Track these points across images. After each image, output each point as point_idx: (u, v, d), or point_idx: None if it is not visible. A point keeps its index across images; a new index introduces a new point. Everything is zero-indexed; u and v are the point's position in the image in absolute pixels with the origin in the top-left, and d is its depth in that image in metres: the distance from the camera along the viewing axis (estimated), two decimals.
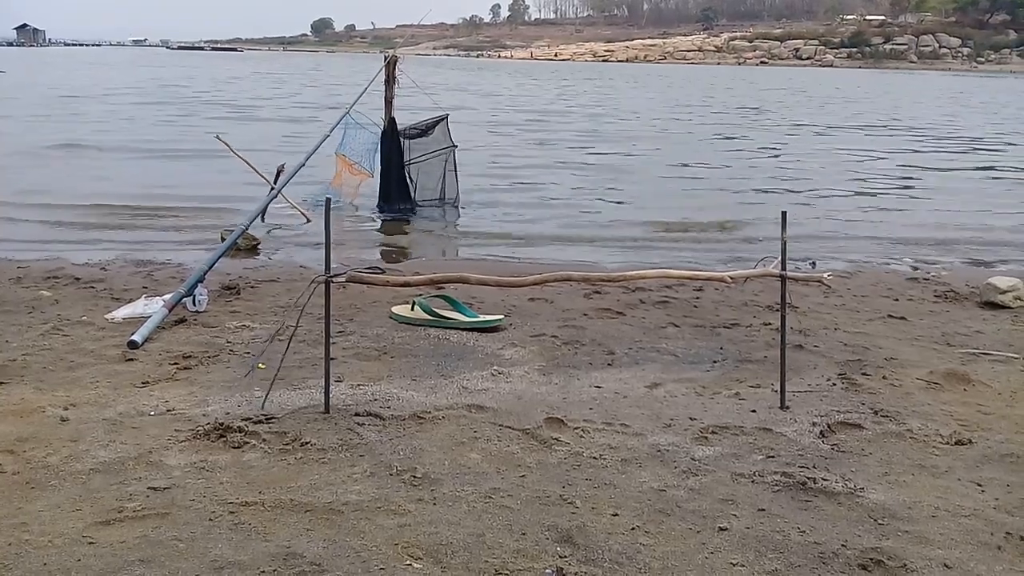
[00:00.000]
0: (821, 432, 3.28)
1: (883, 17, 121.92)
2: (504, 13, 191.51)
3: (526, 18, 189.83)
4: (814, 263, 6.67)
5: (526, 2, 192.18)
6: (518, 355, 4.14)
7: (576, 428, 3.25)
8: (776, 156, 14.55)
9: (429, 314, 4.56)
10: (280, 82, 37.53)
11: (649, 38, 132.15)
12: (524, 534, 2.48)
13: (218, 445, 2.99)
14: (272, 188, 6.91)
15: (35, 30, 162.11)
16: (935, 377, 3.93)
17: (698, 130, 19.28)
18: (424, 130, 8.42)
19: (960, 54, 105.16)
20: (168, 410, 3.31)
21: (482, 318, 4.60)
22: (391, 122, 8.13)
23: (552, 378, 3.83)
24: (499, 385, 3.71)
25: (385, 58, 8.18)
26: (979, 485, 2.89)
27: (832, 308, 5.24)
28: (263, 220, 7.25)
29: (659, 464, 2.97)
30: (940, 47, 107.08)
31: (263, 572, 2.25)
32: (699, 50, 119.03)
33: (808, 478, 2.87)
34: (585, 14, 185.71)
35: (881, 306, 5.34)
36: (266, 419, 3.21)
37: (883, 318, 5.05)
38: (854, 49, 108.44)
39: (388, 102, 8.05)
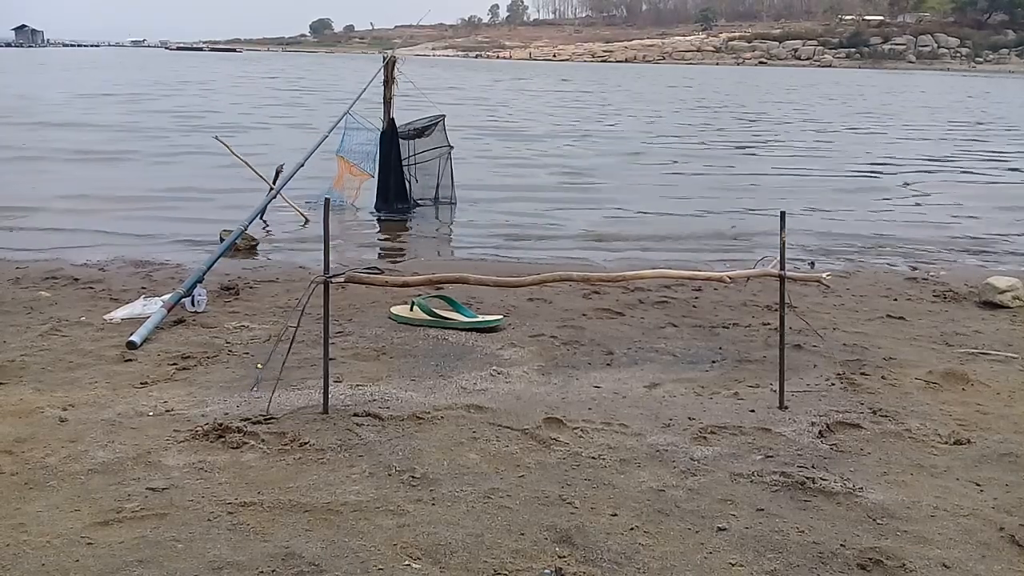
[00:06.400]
0: (820, 432, 3.28)
1: (882, 17, 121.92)
2: (503, 13, 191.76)
3: (525, 18, 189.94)
4: (813, 263, 6.67)
5: (525, 2, 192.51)
6: (517, 355, 4.14)
7: (575, 428, 3.25)
8: (775, 155, 14.55)
9: (428, 314, 4.56)
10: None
11: (648, 38, 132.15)
12: (523, 534, 2.48)
13: (217, 446, 2.99)
14: (271, 189, 6.91)
15: (33, 31, 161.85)
16: (934, 377, 3.93)
17: (697, 129, 19.29)
18: (421, 130, 8.44)
19: (959, 54, 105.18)
20: (167, 410, 3.31)
21: (481, 318, 4.60)
22: (390, 123, 8.13)
23: (551, 378, 3.83)
24: (498, 385, 3.71)
25: (384, 59, 8.19)
26: (978, 485, 2.89)
27: (831, 308, 5.24)
28: (262, 220, 7.26)
29: (658, 464, 2.97)
30: (939, 47, 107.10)
31: (262, 572, 2.25)
32: (698, 50, 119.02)
33: (807, 478, 2.87)
34: (584, 14, 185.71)
35: (880, 306, 5.34)
36: (265, 419, 3.21)
37: (882, 318, 5.05)
38: (853, 49, 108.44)
39: (387, 103, 8.05)
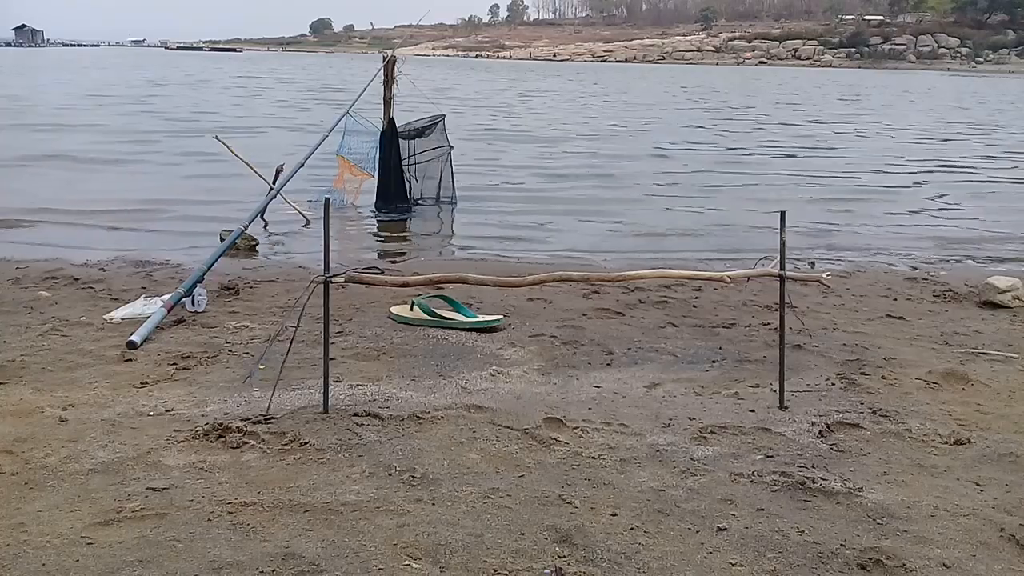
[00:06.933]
0: (820, 432, 3.28)
1: (882, 17, 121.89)
2: (503, 13, 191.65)
3: (525, 18, 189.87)
4: (813, 263, 6.68)
5: (525, 2, 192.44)
6: (517, 355, 4.13)
7: (575, 428, 3.24)
8: (775, 156, 14.55)
9: (428, 314, 4.56)
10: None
11: (648, 38, 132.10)
12: (523, 534, 2.48)
13: (217, 445, 2.99)
14: (271, 188, 6.91)
15: (33, 31, 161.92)
16: (934, 377, 3.93)
17: (702, 131, 19.28)
18: (421, 130, 8.44)
19: (959, 54, 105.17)
20: (167, 410, 3.31)
21: (481, 318, 4.60)
22: (390, 123, 8.13)
23: (551, 378, 3.83)
24: (498, 385, 3.71)
25: (384, 59, 8.19)
26: (978, 484, 2.89)
27: (831, 308, 5.24)
28: (263, 220, 7.26)
29: (658, 464, 2.97)
30: (939, 47, 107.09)
31: (262, 572, 2.25)
32: (698, 50, 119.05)
33: (807, 478, 2.87)
34: (584, 14, 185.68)
35: (880, 306, 5.34)
36: (265, 419, 3.21)
37: (882, 318, 5.05)
38: (852, 49, 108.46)
39: (387, 102, 8.05)
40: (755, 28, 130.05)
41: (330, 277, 3.23)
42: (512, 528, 2.51)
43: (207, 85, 33.53)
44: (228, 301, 4.99)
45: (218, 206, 8.36)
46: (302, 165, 7.21)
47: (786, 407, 3.51)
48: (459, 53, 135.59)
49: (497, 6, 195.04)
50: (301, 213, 7.63)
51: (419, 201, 8.58)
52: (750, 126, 20.88)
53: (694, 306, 5.18)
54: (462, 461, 2.94)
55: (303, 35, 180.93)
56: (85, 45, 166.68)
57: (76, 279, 5.46)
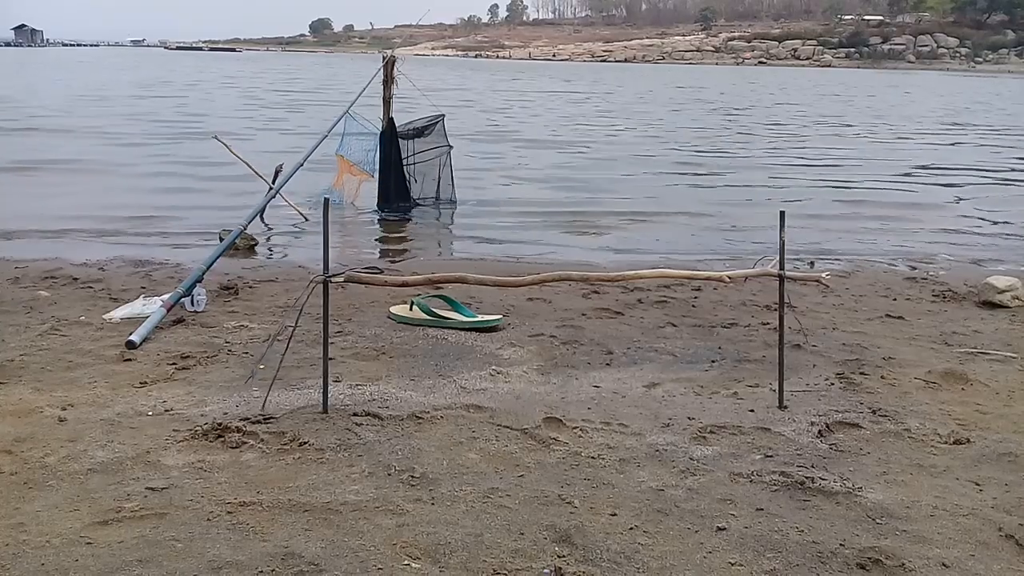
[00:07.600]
0: (819, 432, 3.28)
1: (881, 17, 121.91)
2: (502, 13, 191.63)
3: (524, 18, 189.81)
4: (813, 263, 6.68)
5: (524, 2, 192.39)
6: (516, 355, 4.13)
7: (574, 428, 3.24)
8: (776, 156, 14.55)
9: (427, 314, 4.56)
10: None
11: (647, 38, 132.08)
12: (522, 534, 2.48)
13: (216, 445, 2.99)
14: (270, 188, 6.91)
15: (33, 31, 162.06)
16: (933, 376, 3.93)
17: (696, 131, 19.28)
18: (421, 130, 8.44)
19: (958, 54, 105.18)
20: (166, 410, 3.31)
21: (480, 318, 4.60)
22: (390, 122, 8.13)
23: (550, 378, 3.83)
24: (497, 385, 3.71)
25: (383, 58, 8.19)
26: (977, 484, 2.89)
27: (830, 308, 5.24)
28: (262, 220, 7.26)
29: (657, 464, 2.97)
30: (938, 47, 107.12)
31: (261, 572, 2.25)
32: (697, 50, 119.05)
33: (806, 478, 2.87)
34: (583, 14, 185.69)
35: (879, 306, 5.34)
36: (264, 419, 3.21)
37: (881, 318, 5.05)
38: (852, 49, 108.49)
39: (386, 102, 8.05)
40: (754, 28, 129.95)
41: (329, 277, 3.23)
42: (512, 528, 2.51)
43: (206, 86, 33.53)
44: (227, 301, 4.99)
45: (217, 206, 8.36)
46: (302, 165, 7.21)
47: (785, 407, 3.51)
48: (459, 53, 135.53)
49: (496, 6, 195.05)
50: (301, 213, 7.63)
51: (419, 201, 8.58)
52: (751, 126, 20.86)
53: (693, 306, 5.18)
54: (461, 461, 2.94)
55: (303, 35, 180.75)
56: (85, 45, 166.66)
57: (75, 279, 5.46)
